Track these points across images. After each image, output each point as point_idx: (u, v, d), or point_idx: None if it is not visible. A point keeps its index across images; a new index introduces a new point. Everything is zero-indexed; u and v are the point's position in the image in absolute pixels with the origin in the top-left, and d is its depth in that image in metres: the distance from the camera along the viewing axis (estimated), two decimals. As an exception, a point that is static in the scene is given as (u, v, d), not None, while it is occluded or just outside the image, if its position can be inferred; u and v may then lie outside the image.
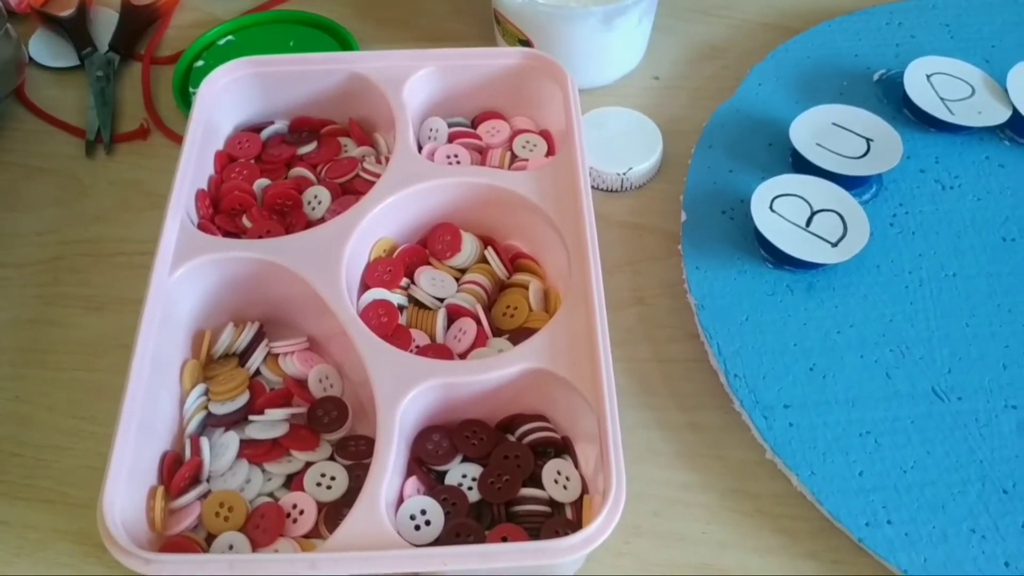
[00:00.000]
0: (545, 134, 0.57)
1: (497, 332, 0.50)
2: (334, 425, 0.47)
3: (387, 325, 0.49)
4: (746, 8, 0.69)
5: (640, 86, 0.64)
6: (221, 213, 0.53)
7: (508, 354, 0.45)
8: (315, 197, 0.54)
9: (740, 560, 0.45)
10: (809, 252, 0.50)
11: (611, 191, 0.58)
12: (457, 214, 0.53)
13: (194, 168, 0.52)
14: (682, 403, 0.50)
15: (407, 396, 0.44)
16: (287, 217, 0.54)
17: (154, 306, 0.46)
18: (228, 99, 0.56)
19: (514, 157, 0.56)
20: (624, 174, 0.57)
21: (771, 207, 0.52)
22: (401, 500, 0.44)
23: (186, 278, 0.48)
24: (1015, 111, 0.57)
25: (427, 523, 0.43)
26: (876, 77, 0.61)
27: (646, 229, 0.57)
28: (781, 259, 0.51)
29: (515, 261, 0.53)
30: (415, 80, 0.56)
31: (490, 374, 0.45)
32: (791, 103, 0.59)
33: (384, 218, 0.51)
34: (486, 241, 0.54)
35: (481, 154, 0.57)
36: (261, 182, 0.55)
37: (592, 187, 0.57)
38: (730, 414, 0.49)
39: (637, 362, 0.52)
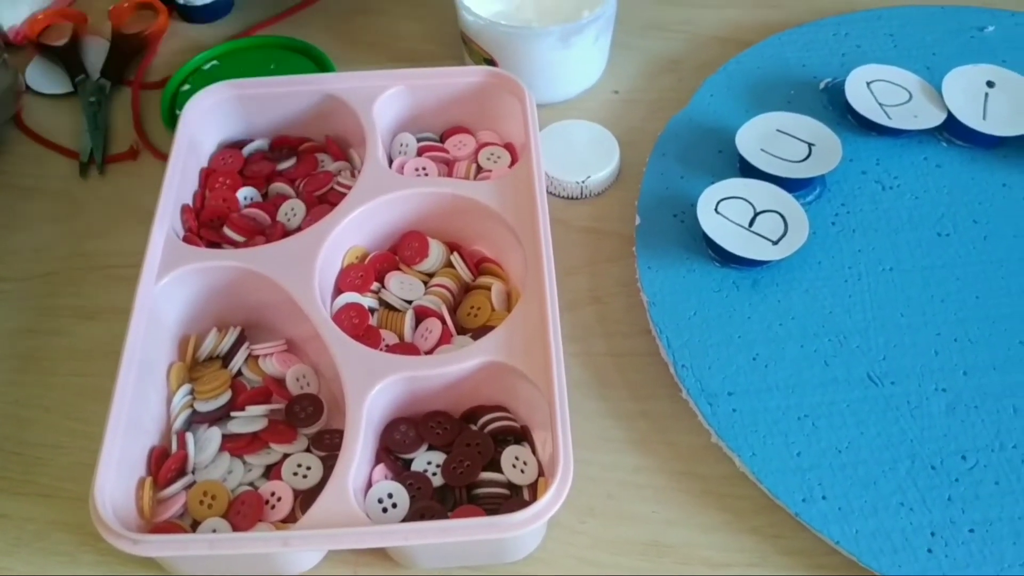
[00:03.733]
0: (509, 146, 0.61)
1: (462, 331, 0.54)
2: (310, 420, 0.51)
3: (358, 326, 0.52)
4: (701, 23, 0.73)
5: (601, 99, 0.68)
6: (204, 225, 0.57)
7: (467, 349, 0.49)
8: (291, 209, 0.58)
9: (687, 536, 0.49)
10: (751, 250, 0.54)
11: (572, 198, 0.62)
12: (425, 222, 0.57)
13: (179, 184, 0.56)
14: (635, 393, 0.54)
15: (373, 389, 0.47)
16: (266, 227, 0.57)
17: (141, 314, 0.50)
18: (211, 119, 0.60)
19: (479, 168, 0.60)
20: (583, 182, 0.61)
21: (716, 209, 0.56)
22: (370, 485, 0.47)
23: (171, 287, 0.52)
24: (950, 114, 0.61)
25: (394, 506, 0.46)
26: (822, 85, 0.65)
27: (604, 233, 0.60)
28: (727, 258, 0.55)
29: (480, 265, 0.57)
30: (385, 99, 0.60)
31: (450, 367, 0.48)
32: (741, 112, 0.63)
33: (355, 227, 0.55)
34: (452, 247, 0.57)
35: (448, 166, 0.61)
36: (242, 193, 0.59)
37: (553, 195, 0.61)
38: (679, 402, 0.52)
39: (594, 356, 0.55)
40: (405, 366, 0.48)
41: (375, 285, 0.55)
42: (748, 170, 0.59)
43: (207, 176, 0.59)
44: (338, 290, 0.55)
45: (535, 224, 0.52)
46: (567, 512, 0.49)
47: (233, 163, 0.60)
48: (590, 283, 0.58)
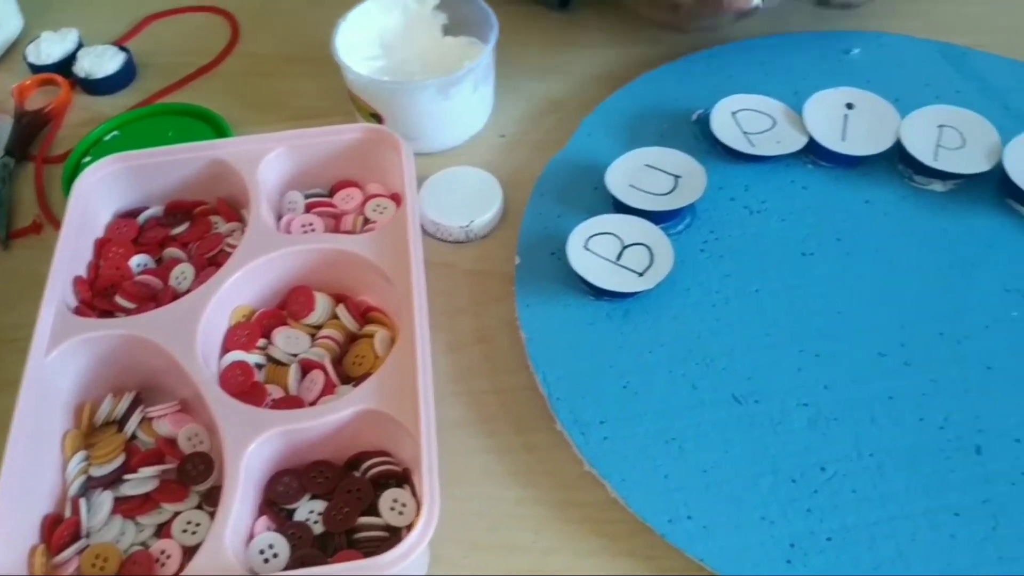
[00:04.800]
0: (395, 197, 0.64)
1: (347, 380, 0.56)
2: (201, 477, 0.53)
3: (243, 383, 0.54)
4: (583, 64, 0.76)
5: (488, 144, 0.71)
6: (99, 294, 0.59)
7: (342, 399, 0.51)
8: (182, 273, 0.60)
9: (566, 563, 0.51)
10: (618, 283, 0.57)
11: (458, 242, 0.64)
12: (310, 277, 0.59)
13: (71, 256, 0.58)
14: (517, 427, 0.56)
15: (251, 445, 0.49)
16: (159, 293, 0.59)
17: (30, 386, 0.52)
18: (103, 191, 0.63)
19: (366, 220, 0.63)
20: (467, 226, 0.63)
21: (586, 246, 0.58)
22: (252, 537, 0.49)
23: (62, 358, 0.54)
24: (811, 138, 0.64)
25: (275, 555, 0.48)
26: (694, 117, 0.68)
27: (489, 274, 0.63)
28: (598, 292, 0.58)
29: (366, 314, 0.59)
30: (268, 160, 0.62)
31: (326, 418, 0.50)
32: (616, 149, 0.65)
33: (240, 287, 0.57)
34: (339, 298, 0.60)
35: (336, 220, 0.63)
36: (136, 260, 0.61)
37: (442, 240, 0.64)
38: (557, 434, 0.54)
39: (477, 394, 0.57)
40: (282, 420, 0.50)
41: (262, 341, 0.57)
42: (620, 205, 0.61)
43: (101, 246, 0.61)
44: (225, 349, 0.56)
45: (407, 271, 0.54)
46: (451, 547, 0.51)
47: (128, 231, 0.63)
48: (476, 323, 0.61)
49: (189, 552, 0.50)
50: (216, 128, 0.72)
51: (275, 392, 0.55)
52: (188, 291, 0.59)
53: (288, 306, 0.59)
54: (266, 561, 0.48)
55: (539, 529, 0.52)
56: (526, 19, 0.80)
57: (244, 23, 0.82)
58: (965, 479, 0.50)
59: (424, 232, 0.65)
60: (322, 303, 0.59)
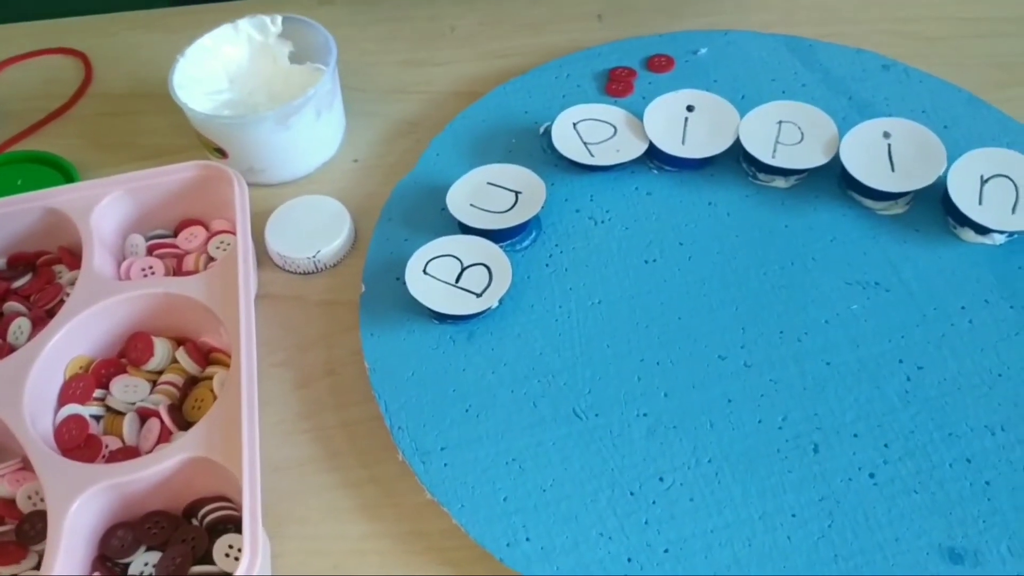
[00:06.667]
0: (239, 232, 0.63)
1: (187, 425, 0.55)
2: (40, 536, 0.52)
3: (76, 437, 0.53)
4: (439, 81, 0.75)
5: (341, 170, 0.70)
6: (-68, 357, 0.57)
7: (169, 447, 0.50)
8: (19, 327, 0.59)
9: (409, 596, 0.50)
10: (456, 306, 0.56)
11: (307, 273, 0.64)
12: (149, 322, 0.58)
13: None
14: (363, 460, 0.55)
15: (75, 503, 0.48)
16: (-3, 351, 0.58)
17: None
18: (-62, 248, 0.61)
19: (210, 258, 0.62)
20: (314, 257, 0.62)
21: (424, 270, 0.58)
22: (82, 596, 0.48)
23: None
24: (651, 143, 0.64)
25: (103, 613, 0.47)
26: (541, 130, 0.68)
27: (339, 304, 0.62)
28: (440, 316, 0.57)
29: (209, 355, 0.58)
30: (103, 206, 0.61)
31: (153, 468, 0.50)
32: (464, 168, 0.65)
33: (74, 338, 0.56)
34: (180, 341, 0.58)
35: (178, 260, 0.62)
36: (-28, 319, 0.59)
37: (290, 272, 0.63)
38: (402, 463, 0.54)
39: (325, 429, 0.57)
40: (106, 474, 0.49)
41: (100, 392, 0.56)
42: (464, 226, 0.61)
43: (-63, 306, 0.60)
44: (61, 403, 0.55)
45: (236, 311, 0.54)
46: (294, 590, 0.50)
47: (-33, 287, 0.61)
48: (326, 356, 0.60)
49: (21, 616, 0.48)
50: (64, 174, 0.71)
51: (112, 443, 0.54)
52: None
53: (127, 354, 0.58)
54: (95, 620, 0.47)
55: (384, 564, 0.52)
56: (380, 40, 0.79)
57: (97, 62, 0.81)
58: (802, 478, 0.51)
59: (273, 265, 0.64)
60: (161, 348, 0.58)
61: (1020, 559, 0.47)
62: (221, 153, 0.67)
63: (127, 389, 0.56)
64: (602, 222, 0.62)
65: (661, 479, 0.51)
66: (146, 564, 0.50)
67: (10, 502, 0.54)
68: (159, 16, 0.85)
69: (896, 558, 0.47)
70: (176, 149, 0.73)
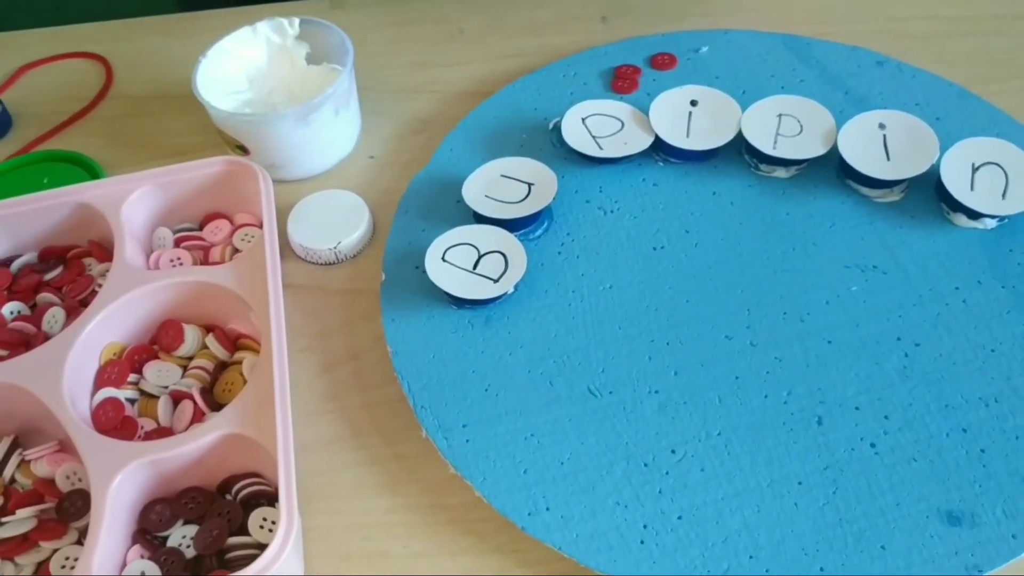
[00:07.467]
0: (263, 225, 0.65)
1: (218, 407, 0.57)
2: (79, 514, 0.54)
3: (113, 419, 0.56)
4: (449, 81, 0.78)
5: (358, 166, 0.73)
6: (-30, 345, 0.60)
7: (204, 425, 0.53)
8: (53, 317, 0.61)
9: (436, 564, 0.53)
10: (474, 291, 0.59)
11: (328, 264, 0.66)
12: (179, 310, 0.61)
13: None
14: (388, 439, 0.58)
15: (116, 478, 0.51)
16: (32, 338, 0.61)
17: (-102, 439, 0.53)
18: (-28, 244, 0.64)
19: (235, 250, 0.64)
20: (335, 248, 0.65)
21: (443, 257, 0.60)
22: (125, 566, 0.51)
23: (-66, 408, 0.55)
24: (657, 136, 0.66)
25: (146, 583, 0.50)
26: (550, 126, 0.71)
27: (360, 293, 0.65)
28: (459, 301, 0.60)
29: (237, 341, 0.61)
30: (132, 200, 0.64)
31: (190, 444, 0.52)
32: (477, 162, 0.67)
33: (108, 325, 0.59)
34: (209, 328, 0.61)
35: (205, 252, 0.65)
36: (8, 308, 0.62)
37: (312, 263, 0.66)
38: (424, 441, 0.56)
39: (350, 410, 0.59)
40: (146, 451, 0.52)
41: (133, 376, 0.59)
42: (479, 216, 0.64)
43: (-26, 297, 0.62)
44: (97, 387, 0.58)
45: (265, 297, 0.56)
46: (325, 560, 0.53)
47: (1, 280, 0.64)
48: (348, 342, 0.62)
49: (65, 588, 0.51)
50: (90, 172, 0.74)
51: (147, 424, 0.57)
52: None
53: (159, 340, 0.60)
54: (138, 589, 0.49)
55: (410, 535, 0.54)
56: (390, 42, 0.82)
57: (117, 66, 0.84)
58: (807, 449, 0.53)
59: (296, 256, 0.67)
60: (191, 334, 0.60)
61: (1014, 520, 0.49)
62: (243, 150, 0.69)
63: (160, 373, 0.59)
64: (611, 212, 0.65)
65: (673, 451, 0.53)
66: (184, 537, 0.52)
67: (49, 482, 0.56)
68: (175, 21, 0.87)
69: (897, 522, 0.50)
70: (196, 148, 0.75)
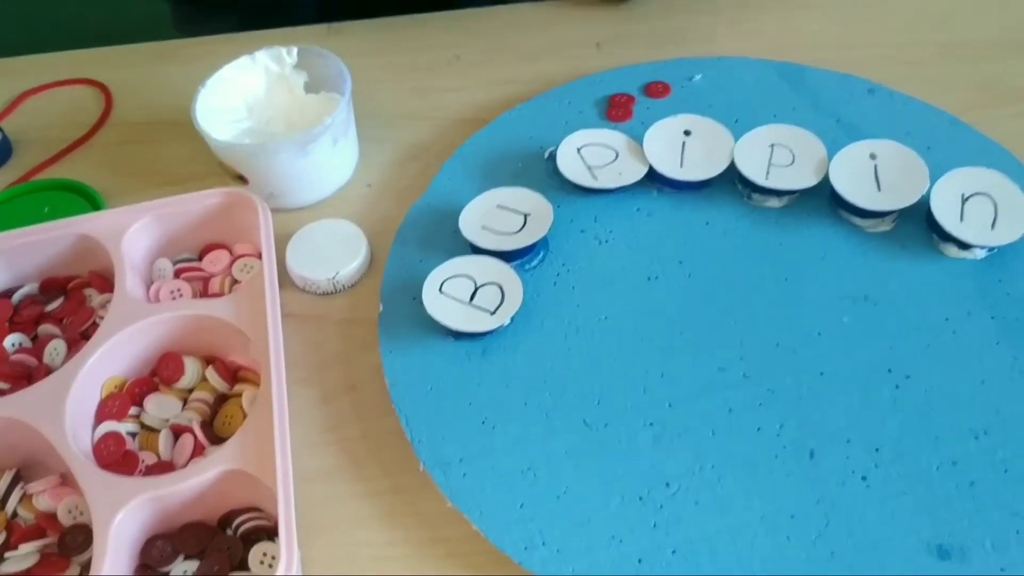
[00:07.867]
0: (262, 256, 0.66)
1: (218, 440, 0.58)
2: (81, 548, 0.55)
3: (115, 453, 0.57)
4: (446, 108, 0.79)
5: (356, 195, 0.74)
6: (-29, 378, 0.61)
7: (205, 460, 0.53)
8: (55, 349, 0.62)
9: (433, 598, 0.53)
10: (471, 323, 0.60)
11: (327, 294, 0.67)
12: (179, 342, 0.62)
13: (-59, 344, 0.60)
14: (386, 471, 0.58)
15: (119, 514, 0.51)
16: (33, 370, 0.61)
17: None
18: (-27, 276, 0.64)
19: (234, 280, 0.65)
20: (333, 278, 0.66)
21: (440, 289, 0.61)
22: (127, 603, 0.51)
23: (-64, 444, 0.56)
24: (651, 167, 0.67)
25: (148, 618, 0.50)
26: (546, 155, 0.71)
27: (358, 323, 0.66)
28: (456, 333, 0.60)
29: (237, 373, 0.61)
30: (133, 232, 0.64)
31: (190, 481, 0.53)
32: (474, 191, 0.68)
33: (109, 359, 0.59)
34: (209, 360, 0.62)
35: (205, 283, 0.65)
36: (10, 340, 0.63)
37: (310, 292, 0.66)
38: (422, 474, 0.57)
39: (349, 442, 0.60)
40: (147, 487, 0.52)
41: (134, 409, 0.59)
42: (475, 247, 0.64)
43: (-25, 329, 0.63)
44: (98, 421, 0.59)
45: (264, 329, 0.57)
46: (324, 594, 0.54)
47: (2, 312, 0.64)
48: (346, 372, 0.63)
49: (67, 623, 0.51)
50: (90, 201, 0.74)
51: (148, 458, 0.57)
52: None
53: (159, 372, 0.61)
54: (140, 624, 0.50)
55: (408, 568, 0.55)
56: (386, 68, 0.83)
57: (117, 93, 0.84)
58: (800, 482, 0.54)
59: (293, 286, 0.67)
60: (191, 367, 0.61)
61: (1003, 554, 0.50)
62: (242, 180, 0.70)
63: (160, 406, 0.59)
64: (606, 242, 0.66)
65: (667, 484, 0.54)
66: (185, 572, 0.53)
67: (51, 516, 0.57)
68: (174, 47, 0.88)
69: (888, 556, 0.51)
70: (195, 176, 0.76)
